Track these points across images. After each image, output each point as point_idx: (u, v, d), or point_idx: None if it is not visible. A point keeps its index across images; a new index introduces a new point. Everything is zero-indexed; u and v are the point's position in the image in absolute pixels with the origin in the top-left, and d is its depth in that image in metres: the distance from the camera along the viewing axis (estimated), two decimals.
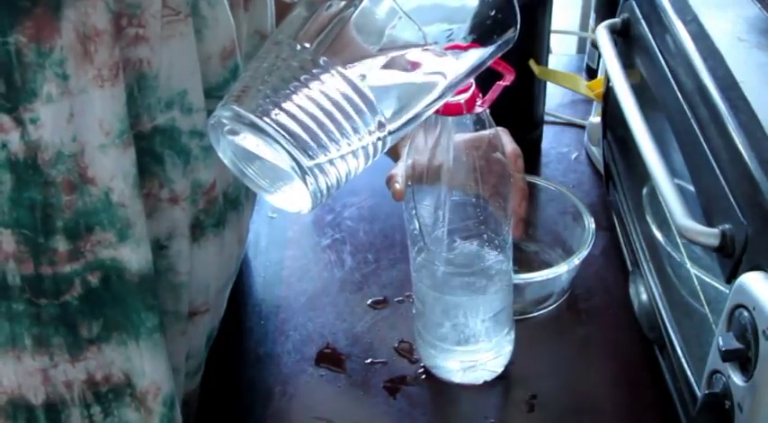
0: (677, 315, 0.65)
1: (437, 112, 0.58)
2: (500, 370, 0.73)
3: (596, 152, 0.99)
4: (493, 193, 0.64)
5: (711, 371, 0.53)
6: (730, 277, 0.50)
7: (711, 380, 0.53)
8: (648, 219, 0.73)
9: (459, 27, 0.52)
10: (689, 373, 0.60)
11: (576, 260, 0.77)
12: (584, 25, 1.31)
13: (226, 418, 0.73)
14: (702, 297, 0.60)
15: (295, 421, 0.71)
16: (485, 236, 0.67)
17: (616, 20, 0.76)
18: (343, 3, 0.49)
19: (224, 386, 0.75)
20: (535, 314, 0.80)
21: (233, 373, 0.76)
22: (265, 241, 0.92)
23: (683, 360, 0.62)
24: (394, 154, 0.75)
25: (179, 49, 0.57)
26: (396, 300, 0.82)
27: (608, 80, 0.83)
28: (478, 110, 0.60)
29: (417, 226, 0.66)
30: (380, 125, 0.49)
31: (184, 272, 0.63)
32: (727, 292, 0.50)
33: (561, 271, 0.77)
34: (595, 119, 0.98)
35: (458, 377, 0.73)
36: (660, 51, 0.65)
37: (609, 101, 0.84)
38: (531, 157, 1.01)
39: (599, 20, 1.01)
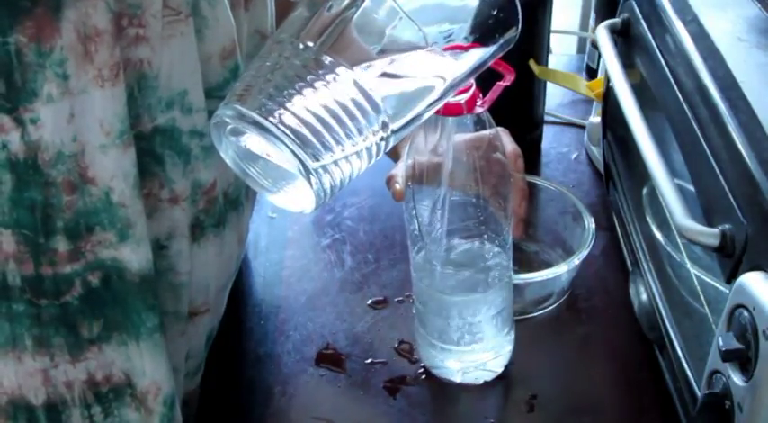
0: (677, 315, 0.65)
1: (437, 112, 0.58)
2: (500, 370, 0.73)
3: (596, 152, 0.99)
4: (493, 194, 0.64)
5: (711, 371, 0.53)
6: (730, 277, 0.50)
7: (711, 380, 0.53)
8: (648, 219, 0.73)
9: (460, 27, 0.52)
10: (689, 373, 0.60)
11: (576, 260, 0.77)
12: (584, 25, 1.31)
13: (226, 418, 0.73)
14: (702, 297, 0.60)
15: (295, 421, 0.71)
16: (485, 236, 0.67)
17: (616, 20, 0.76)
18: (345, 3, 0.49)
19: (224, 386, 0.75)
20: (535, 314, 0.80)
21: (233, 373, 0.76)
22: (265, 241, 0.92)
23: (682, 360, 0.62)
24: (394, 154, 0.75)
25: (179, 50, 0.57)
26: (396, 300, 0.82)
27: (608, 80, 0.83)
28: (479, 110, 0.60)
29: (417, 226, 0.66)
30: (384, 125, 0.49)
31: (184, 272, 0.63)
32: (727, 292, 0.50)
33: (561, 271, 0.77)
34: (595, 119, 0.98)
35: (458, 377, 0.73)
36: (660, 51, 0.65)
37: (609, 101, 0.84)
38: (531, 157, 1.01)
39: (599, 20, 1.01)
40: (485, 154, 0.63)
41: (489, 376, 0.73)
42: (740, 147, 0.50)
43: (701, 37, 0.61)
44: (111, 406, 0.61)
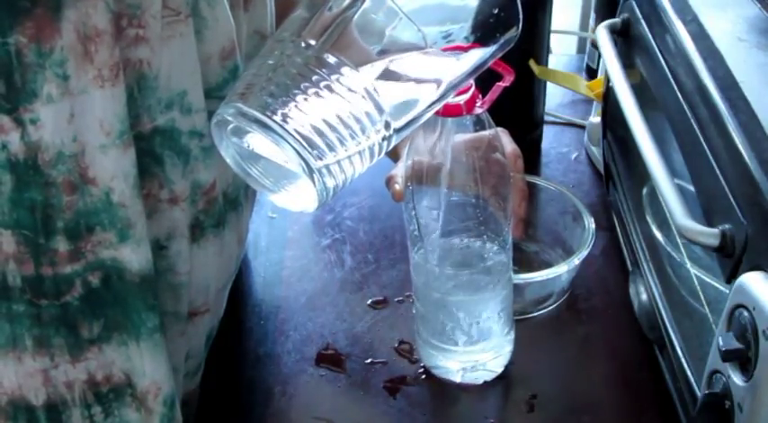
0: (677, 315, 0.65)
1: (437, 113, 0.58)
2: (500, 370, 0.73)
3: (596, 152, 0.99)
4: (493, 194, 0.64)
5: (711, 371, 0.53)
6: (730, 277, 0.50)
7: (711, 380, 0.53)
8: (648, 219, 0.73)
9: (460, 27, 0.52)
10: (689, 373, 0.60)
11: (576, 260, 0.77)
12: (584, 25, 1.31)
13: (226, 418, 0.73)
14: (702, 297, 0.60)
15: (295, 421, 0.71)
16: (485, 236, 0.67)
17: (616, 20, 0.76)
18: (346, 3, 0.49)
19: (224, 386, 0.75)
20: (535, 314, 0.80)
21: (233, 373, 0.76)
22: (265, 241, 0.92)
23: (683, 360, 0.62)
24: (394, 155, 0.75)
25: (179, 50, 0.57)
26: (396, 300, 0.82)
27: (608, 80, 0.83)
28: (478, 111, 0.60)
29: (416, 226, 0.66)
30: (387, 125, 0.48)
31: (184, 272, 0.63)
32: (727, 292, 0.50)
33: (561, 271, 0.77)
34: (595, 119, 0.98)
35: (458, 377, 0.73)
36: (660, 51, 0.65)
37: (609, 101, 0.84)
38: (531, 158, 1.01)
39: (599, 20, 1.01)
40: (484, 154, 0.63)
41: (489, 376, 0.73)
42: (740, 147, 0.50)
43: (701, 37, 0.61)
44: (111, 406, 0.61)
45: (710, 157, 0.53)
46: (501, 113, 0.64)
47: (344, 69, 0.47)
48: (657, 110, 0.65)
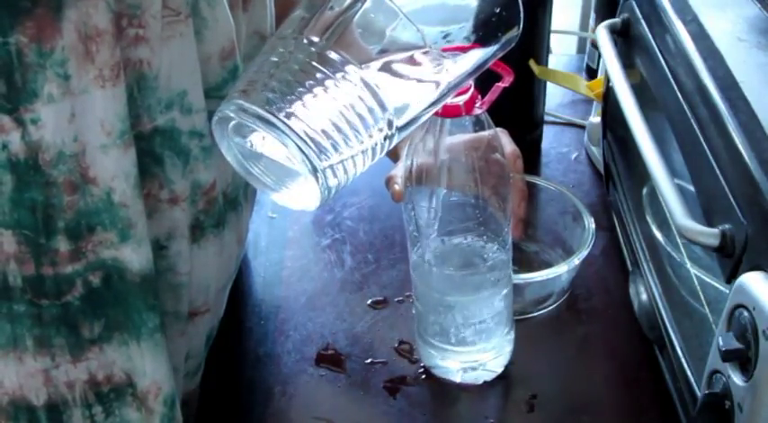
0: (677, 315, 0.65)
1: (436, 113, 0.58)
2: (500, 370, 0.73)
3: (596, 152, 0.99)
4: (492, 194, 0.64)
5: (711, 371, 0.53)
6: (730, 277, 0.50)
7: (711, 380, 0.53)
8: (648, 219, 0.73)
9: (461, 27, 0.52)
10: (689, 373, 0.60)
11: (576, 260, 0.77)
12: (584, 25, 1.31)
13: (226, 418, 0.73)
14: (702, 297, 0.60)
15: (295, 421, 0.71)
16: (485, 237, 0.67)
17: (616, 20, 0.76)
18: (347, 3, 0.49)
19: (224, 386, 0.75)
20: (535, 314, 0.80)
21: (233, 373, 0.76)
22: (265, 241, 0.92)
23: (683, 360, 0.62)
24: (393, 155, 0.75)
25: (179, 50, 0.57)
26: (396, 300, 0.82)
27: (608, 80, 0.83)
28: (477, 111, 0.60)
29: (416, 227, 0.66)
30: (389, 123, 0.48)
31: (184, 272, 0.63)
32: (727, 292, 0.50)
33: (561, 271, 0.77)
34: (595, 119, 0.98)
35: (458, 377, 0.73)
36: (660, 51, 0.65)
37: (609, 101, 0.84)
38: (531, 158, 1.01)
39: (599, 20, 1.01)
40: (484, 155, 0.63)
41: (489, 376, 0.73)
42: (740, 147, 0.50)
43: (701, 37, 0.61)
44: (112, 406, 0.61)
45: (710, 157, 0.53)
46: (501, 113, 0.64)
47: (348, 67, 0.47)
48: (657, 110, 0.65)
